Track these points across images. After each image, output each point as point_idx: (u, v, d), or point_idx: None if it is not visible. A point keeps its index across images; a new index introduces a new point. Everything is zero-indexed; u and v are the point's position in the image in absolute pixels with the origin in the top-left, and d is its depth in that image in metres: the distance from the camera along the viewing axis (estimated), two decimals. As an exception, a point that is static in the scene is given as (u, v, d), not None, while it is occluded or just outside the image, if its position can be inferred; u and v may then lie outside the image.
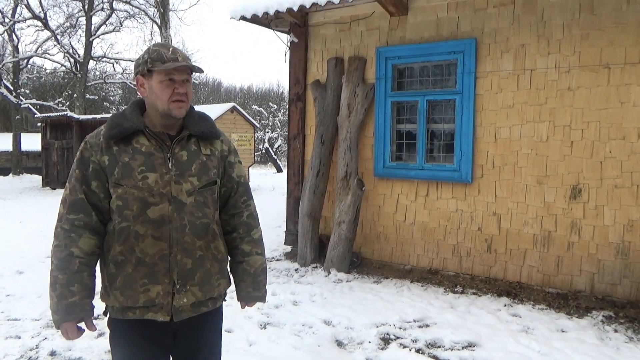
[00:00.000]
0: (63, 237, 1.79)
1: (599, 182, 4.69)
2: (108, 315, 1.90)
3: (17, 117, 21.16)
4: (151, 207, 1.79)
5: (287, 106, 6.91)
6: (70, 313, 1.76)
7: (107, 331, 1.93)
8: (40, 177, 17.41)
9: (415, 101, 5.73)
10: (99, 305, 1.88)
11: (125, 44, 55.64)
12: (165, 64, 1.79)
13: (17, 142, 21.07)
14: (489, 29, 5.20)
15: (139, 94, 1.90)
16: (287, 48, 6.60)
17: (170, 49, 1.85)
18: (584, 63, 4.73)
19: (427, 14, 5.55)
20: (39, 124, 18.26)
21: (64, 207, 1.83)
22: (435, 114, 5.72)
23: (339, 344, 3.85)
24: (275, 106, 32.21)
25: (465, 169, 5.35)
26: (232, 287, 2.07)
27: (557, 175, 4.90)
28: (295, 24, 6.37)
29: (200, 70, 1.88)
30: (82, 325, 1.83)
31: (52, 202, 12.71)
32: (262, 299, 2.11)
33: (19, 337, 3.88)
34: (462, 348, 3.76)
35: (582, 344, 3.79)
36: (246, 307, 2.14)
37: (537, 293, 4.90)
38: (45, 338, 3.87)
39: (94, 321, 1.85)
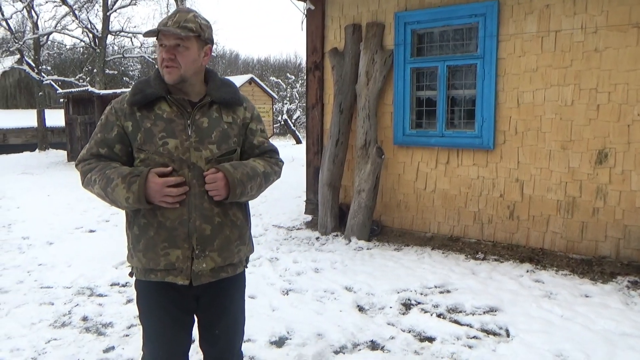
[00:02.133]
0: (95, 163, 1.84)
1: (626, 147, 4.58)
2: (133, 276, 1.96)
3: (40, 93, 21.46)
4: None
5: (305, 76, 6.85)
6: (137, 175, 1.75)
7: (135, 295, 1.99)
8: (65, 152, 17.74)
9: (435, 67, 5.62)
10: (118, 274, 1.93)
11: (142, 18, 55.69)
12: (155, 29, 1.80)
13: (41, 118, 21.42)
14: (512, -10, 5.03)
15: None
16: (304, 16, 6.50)
17: (171, 14, 1.85)
18: (612, 23, 4.55)
19: (448, -24, 5.39)
20: (61, 100, 18.51)
21: (86, 151, 1.88)
22: (455, 80, 5.61)
23: (361, 309, 3.90)
24: (293, 77, 31.98)
25: (486, 135, 5.27)
26: (255, 253, 2.09)
27: (582, 140, 4.79)
28: (312, -9, 6.26)
29: (192, 33, 1.79)
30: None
31: (77, 175, 12.96)
32: (231, 176, 1.81)
33: (52, 304, 4.03)
34: (484, 313, 3.78)
35: (606, 308, 3.77)
36: (210, 175, 1.82)
37: (561, 259, 4.87)
38: (77, 304, 4.01)
39: (123, 288, 1.90)
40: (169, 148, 1.81)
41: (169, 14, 1.85)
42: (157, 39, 1.84)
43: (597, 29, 4.63)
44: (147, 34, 1.82)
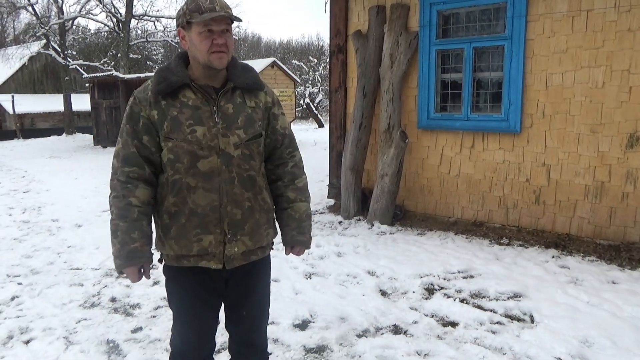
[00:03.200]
0: (120, 188, 1.85)
1: (659, 130, 4.43)
2: (163, 262, 1.99)
3: (67, 78, 21.82)
4: (201, 160, 1.83)
5: (328, 59, 6.79)
6: (131, 259, 1.84)
7: (163, 279, 2.02)
8: (92, 136, 18.08)
9: (460, 49, 5.51)
10: (155, 254, 1.97)
11: (165, 1, 55.75)
12: (203, 15, 1.75)
13: (67, 102, 21.82)
14: (542, -32, 4.87)
15: (183, 45, 1.89)
16: (327, -2, 6.42)
17: None
18: (647, 1, 4.38)
19: (475, -45, 5.24)
20: (87, 85, 18.79)
21: (117, 161, 1.88)
22: (481, 62, 5.49)
23: (383, 293, 3.91)
24: (316, 60, 31.79)
25: (513, 118, 5.16)
26: (278, 238, 2.11)
27: (612, 123, 4.66)
28: (335, -28, 6.17)
29: (239, 20, 1.84)
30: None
31: (103, 159, 13.23)
32: (307, 244, 2.13)
33: (82, 285, 4.15)
34: (508, 298, 3.74)
35: (634, 295, 3.70)
36: (291, 254, 2.17)
37: (587, 245, 4.78)
38: (106, 286, 4.12)
39: (150, 270, 1.95)
40: (197, 135, 1.82)
41: None
42: (193, 25, 1.78)
43: (632, 7, 4.46)
44: (201, 19, 1.75)
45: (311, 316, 3.47)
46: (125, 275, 1.90)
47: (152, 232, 1.92)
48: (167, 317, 3.48)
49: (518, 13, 5.01)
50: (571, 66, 4.82)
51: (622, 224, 4.69)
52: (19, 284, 4.19)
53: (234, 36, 2.01)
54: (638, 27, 4.44)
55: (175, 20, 1.90)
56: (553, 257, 4.60)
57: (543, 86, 4.99)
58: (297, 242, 2.11)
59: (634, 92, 4.52)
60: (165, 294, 2.10)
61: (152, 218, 1.94)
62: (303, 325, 3.35)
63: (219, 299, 2.04)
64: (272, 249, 2.15)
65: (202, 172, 1.83)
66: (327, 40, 6.83)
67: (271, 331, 3.09)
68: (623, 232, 4.69)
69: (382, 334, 3.26)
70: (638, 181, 4.58)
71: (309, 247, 2.16)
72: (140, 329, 3.36)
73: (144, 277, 1.93)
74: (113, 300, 3.84)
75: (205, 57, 1.80)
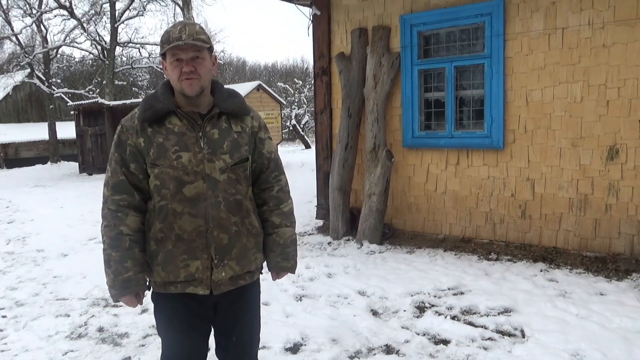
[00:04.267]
0: (111, 217, 1.86)
1: (638, 142, 4.54)
2: (151, 289, 1.98)
3: (51, 106, 21.71)
4: (186, 185, 1.84)
5: (313, 81, 6.87)
6: (126, 287, 1.85)
7: (151, 307, 2.01)
8: (77, 163, 17.93)
9: (442, 68, 5.62)
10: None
11: (149, 28, 56.23)
12: (169, 45, 1.81)
13: (52, 130, 21.68)
14: (517, -12, 5.01)
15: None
16: (310, 21, 6.54)
17: (179, 27, 1.83)
18: (619, 18, 4.52)
19: (452, -23, 5.39)
20: (72, 112, 18.71)
21: (107, 190, 1.89)
22: (463, 81, 5.60)
23: (375, 313, 3.90)
24: (301, 82, 32.04)
25: (496, 134, 5.25)
26: (266, 260, 2.12)
27: (592, 137, 4.76)
28: (317, -4, 6.29)
29: (207, 45, 1.85)
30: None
31: (89, 187, 13.12)
32: (292, 269, 2.14)
33: (68, 315, 4.08)
34: (498, 314, 3.75)
35: (621, 306, 3.73)
36: (277, 279, 2.18)
37: (574, 257, 4.83)
38: (93, 315, 4.05)
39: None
40: (183, 161, 1.84)
41: (174, 27, 1.84)
42: (167, 56, 1.85)
43: (605, 24, 4.60)
44: (168, 49, 1.82)
45: (302, 339, 3.44)
46: (121, 304, 1.90)
47: (144, 260, 1.92)
48: (156, 345, 3.42)
49: (496, 32, 5.13)
50: (550, 82, 4.93)
51: (607, 235, 4.75)
52: (4, 316, 4.10)
53: (219, 61, 2.04)
54: (612, 43, 4.58)
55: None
56: (541, 270, 4.63)
57: (524, 102, 5.10)
58: (282, 269, 2.12)
59: (611, 105, 4.63)
60: (154, 321, 2.08)
61: (143, 245, 1.93)
62: (295, 349, 3.32)
63: (208, 325, 2.02)
64: (262, 273, 2.14)
65: (188, 198, 1.84)
66: (312, 62, 6.97)
67: (262, 356, 3.06)
68: (608, 243, 4.75)
69: (375, 354, 3.24)
70: (620, 193, 4.66)
71: (293, 273, 2.17)
72: (129, 358, 3.30)
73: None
74: (100, 330, 3.77)
75: (178, 85, 1.86)
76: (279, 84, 32.17)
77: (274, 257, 2.10)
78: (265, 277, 2.35)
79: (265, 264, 2.13)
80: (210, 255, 1.88)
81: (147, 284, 1.98)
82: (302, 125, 28.25)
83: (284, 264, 2.11)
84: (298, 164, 16.38)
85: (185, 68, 1.83)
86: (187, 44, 1.80)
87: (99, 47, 21.88)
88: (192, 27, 1.84)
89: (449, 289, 4.30)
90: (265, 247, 2.11)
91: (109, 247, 1.85)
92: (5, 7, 20.29)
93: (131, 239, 1.86)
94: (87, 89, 24.09)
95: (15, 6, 20.51)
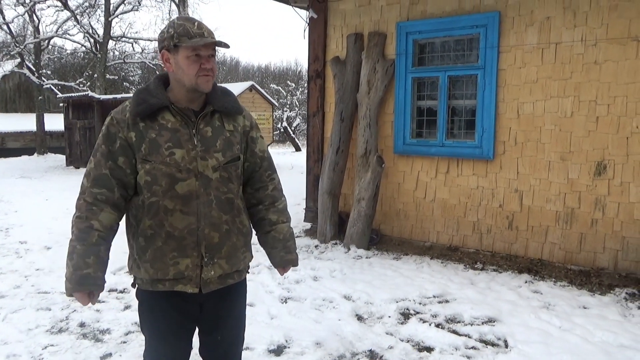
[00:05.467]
0: (85, 209, 1.80)
1: (625, 159, 4.60)
2: (137, 287, 1.95)
3: (40, 97, 21.48)
4: (179, 182, 1.82)
5: (306, 84, 6.88)
6: (82, 284, 1.77)
7: (134, 303, 1.97)
8: (64, 156, 17.73)
9: (436, 77, 5.65)
10: (116, 280, 1.92)
11: (143, 24, 55.95)
12: (193, 40, 1.78)
13: (40, 122, 21.43)
14: (513, 2, 5.07)
15: (165, 68, 1.89)
16: (306, 24, 6.54)
17: (196, 24, 1.82)
18: (611, 36, 4.59)
19: (449, -13, 5.43)
20: (61, 104, 18.52)
21: (87, 181, 1.84)
22: (456, 90, 5.64)
23: (359, 318, 3.90)
24: (294, 85, 32.08)
25: (486, 145, 5.29)
26: (254, 261, 2.11)
27: (581, 152, 4.81)
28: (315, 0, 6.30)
29: (227, 46, 1.87)
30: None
31: (76, 180, 12.96)
32: (295, 262, 2.16)
33: (49, 309, 4.01)
34: (482, 323, 3.77)
35: (604, 320, 3.77)
36: (284, 273, 2.19)
37: (559, 270, 4.87)
38: (75, 310, 3.99)
39: (121, 294, 1.89)
40: (176, 158, 1.82)
41: (188, 21, 1.82)
42: (181, 49, 1.79)
43: (597, 41, 4.67)
44: (189, 44, 1.77)
45: (286, 341, 3.43)
46: (102, 299, 1.84)
47: (108, 259, 1.86)
48: (138, 342, 3.38)
49: (490, 44, 5.18)
50: (541, 96, 4.98)
51: (592, 249, 4.80)
52: (-17, 308, 4.03)
53: None
54: (604, 60, 4.64)
55: (158, 42, 1.89)
56: (526, 282, 4.66)
57: (515, 114, 5.14)
58: (288, 262, 2.13)
59: (600, 122, 4.69)
60: (136, 318, 2.06)
61: (111, 244, 1.88)
62: (278, 351, 3.30)
63: (194, 323, 2.00)
64: (249, 272, 2.13)
65: (181, 195, 1.82)
66: (306, 66, 6.98)
67: (246, 357, 3.04)
68: (593, 257, 4.80)
69: (358, 359, 3.23)
70: (606, 208, 4.71)
71: (297, 264, 2.20)
72: (110, 355, 3.26)
73: (90, 303, 1.86)
74: (82, 325, 3.72)
75: (193, 80, 1.82)
76: (271, 85, 32.15)
77: (277, 253, 2.10)
78: (251, 277, 2.34)
79: (252, 263, 2.12)
80: (200, 253, 1.86)
81: (133, 281, 1.95)
82: (293, 128, 28.25)
83: (288, 257, 2.12)
84: (288, 166, 16.35)
85: (207, 65, 1.82)
86: (211, 41, 1.80)
87: (92, 40, 21.71)
88: (204, 24, 1.85)
89: (434, 296, 4.32)
90: (266, 244, 2.11)
91: (75, 239, 1.79)
92: (-3, -5, 20.07)
93: (100, 235, 1.80)
94: (77, 82, 23.89)
95: (8, -6, 20.29)
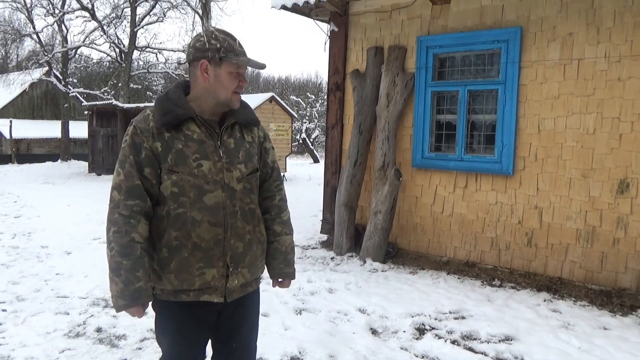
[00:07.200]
0: (122, 223, 1.77)
1: (649, 177, 4.50)
2: (154, 297, 1.90)
3: (66, 105, 22.00)
4: (207, 194, 1.84)
5: (326, 96, 6.91)
6: (137, 298, 1.76)
7: (150, 310, 1.93)
8: (87, 163, 18.07)
9: (456, 91, 5.63)
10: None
11: (167, 34, 56.95)
12: (240, 58, 1.85)
13: (65, 129, 21.92)
14: (536, 17, 5.04)
15: (200, 77, 1.86)
16: (327, 37, 6.60)
17: (237, 41, 1.89)
18: (636, 52, 4.53)
19: (471, 2, 5.43)
20: (85, 112, 18.93)
21: (120, 193, 1.80)
22: (476, 105, 5.61)
23: (374, 332, 3.87)
24: (313, 97, 32.25)
25: (506, 160, 5.24)
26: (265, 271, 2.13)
27: (603, 169, 4.73)
28: (336, 13, 6.36)
29: (264, 67, 1.95)
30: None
31: (97, 187, 13.19)
32: (293, 275, 2.18)
33: (68, 314, 4.08)
34: (499, 341, 3.71)
35: (625, 342, 3.67)
36: (277, 286, 2.19)
37: (579, 289, 4.77)
38: (92, 315, 4.04)
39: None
40: (204, 170, 1.84)
41: (228, 37, 1.88)
42: (224, 64, 1.85)
43: (621, 58, 4.61)
44: (234, 60, 1.85)
45: (300, 353, 3.42)
46: (130, 313, 1.82)
47: (151, 268, 1.87)
48: (152, 349, 3.41)
49: (512, 59, 5.15)
50: (563, 112, 4.93)
51: (614, 269, 4.70)
52: (4, 310, 4.11)
53: None
54: (627, 77, 4.58)
55: (194, 49, 1.86)
56: (545, 300, 4.58)
57: (535, 130, 5.09)
58: (285, 275, 2.14)
59: (623, 139, 4.62)
60: (151, 325, 2.06)
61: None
62: (291, 363, 3.29)
63: (209, 332, 2.01)
64: (262, 280, 2.15)
65: (208, 206, 1.83)
66: (326, 78, 7.05)
67: (258, 367, 3.03)
68: (614, 277, 4.69)
69: (372, 373, 3.20)
70: (629, 227, 4.61)
71: (294, 278, 2.20)
72: (125, 361, 3.29)
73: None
74: (99, 330, 3.77)
75: (229, 96, 1.88)
76: (291, 97, 32.37)
77: (277, 264, 2.12)
78: (266, 287, 2.34)
79: (264, 275, 2.13)
80: (226, 263, 1.88)
81: (152, 292, 1.95)
82: (311, 140, 28.34)
83: (286, 270, 2.14)
84: (306, 178, 16.40)
85: (243, 83, 1.90)
86: (256, 63, 1.89)
87: (117, 50, 22.17)
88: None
89: (450, 312, 4.26)
90: (267, 255, 2.12)
91: (118, 254, 1.74)
92: (28, 5, 20.68)
93: (142, 247, 1.78)
94: (102, 90, 24.39)
95: (38, 5, 20.92)
